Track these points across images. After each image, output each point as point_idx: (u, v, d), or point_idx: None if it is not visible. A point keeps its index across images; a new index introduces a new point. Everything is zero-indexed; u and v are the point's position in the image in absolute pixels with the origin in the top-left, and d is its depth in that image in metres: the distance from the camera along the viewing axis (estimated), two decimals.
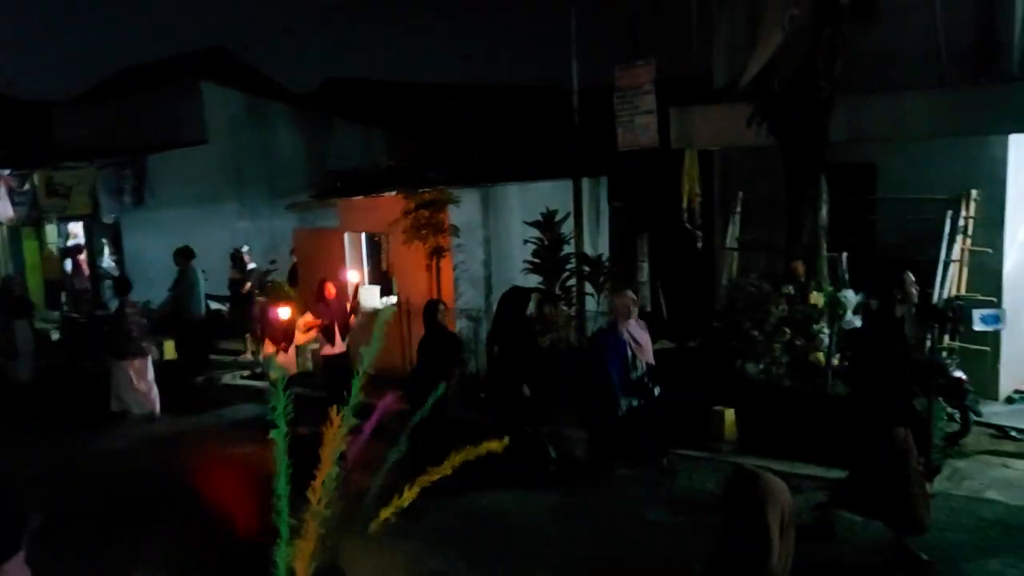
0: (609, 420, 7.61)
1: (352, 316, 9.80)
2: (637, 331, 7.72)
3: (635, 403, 7.55)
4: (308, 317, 9.49)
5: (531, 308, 8.58)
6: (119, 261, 15.59)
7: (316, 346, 9.26)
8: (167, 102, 16.59)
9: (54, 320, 15.55)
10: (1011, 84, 8.62)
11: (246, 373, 12.48)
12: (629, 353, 7.57)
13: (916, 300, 7.85)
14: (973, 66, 9.04)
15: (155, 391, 10.45)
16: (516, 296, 8.36)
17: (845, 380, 7.66)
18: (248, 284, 13.15)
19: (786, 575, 2.37)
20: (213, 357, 13.15)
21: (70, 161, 15.27)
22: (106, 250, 15.95)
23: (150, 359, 10.55)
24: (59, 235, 17.11)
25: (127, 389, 10.31)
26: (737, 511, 2.37)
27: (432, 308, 7.91)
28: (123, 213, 15.03)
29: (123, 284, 10.89)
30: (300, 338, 9.74)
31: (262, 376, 12.37)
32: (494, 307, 11.03)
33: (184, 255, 12.59)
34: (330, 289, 9.46)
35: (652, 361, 7.72)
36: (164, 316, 12.68)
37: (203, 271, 12.99)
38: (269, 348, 9.15)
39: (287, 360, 9.43)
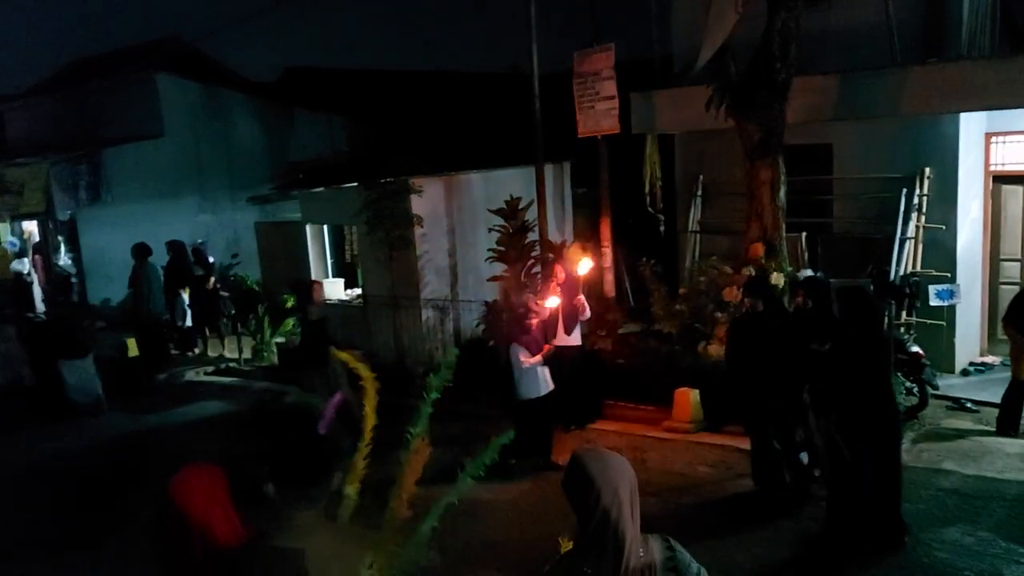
0: None
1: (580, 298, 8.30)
2: None
3: None
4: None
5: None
6: (76, 259, 15.28)
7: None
8: (122, 94, 16.24)
9: None
10: (959, 63, 8.78)
11: (210, 369, 12.34)
12: None
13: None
14: (923, 46, 9.20)
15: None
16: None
17: None
18: (211, 280, 12.97)
19: (638, 553, 2.24)
20: (175, 353, 12.99)
21: (21, 157, 14.88)
22: (62, 248, 15.61)
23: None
24: (12, 234, 16.69)
25: None
26: (586, 496, 2.18)
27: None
28: (79, 210, 14.72)
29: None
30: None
31: (226, 372, 12.22)
32: (460, 296, 11.00)
33: (140, 252, 12.35)
34: (559, 273, 8.38)
35: None
36: (125, 313, 12.41)
37: (162, 267, 12.78)
38: (529, 360, 7.01)
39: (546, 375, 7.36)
